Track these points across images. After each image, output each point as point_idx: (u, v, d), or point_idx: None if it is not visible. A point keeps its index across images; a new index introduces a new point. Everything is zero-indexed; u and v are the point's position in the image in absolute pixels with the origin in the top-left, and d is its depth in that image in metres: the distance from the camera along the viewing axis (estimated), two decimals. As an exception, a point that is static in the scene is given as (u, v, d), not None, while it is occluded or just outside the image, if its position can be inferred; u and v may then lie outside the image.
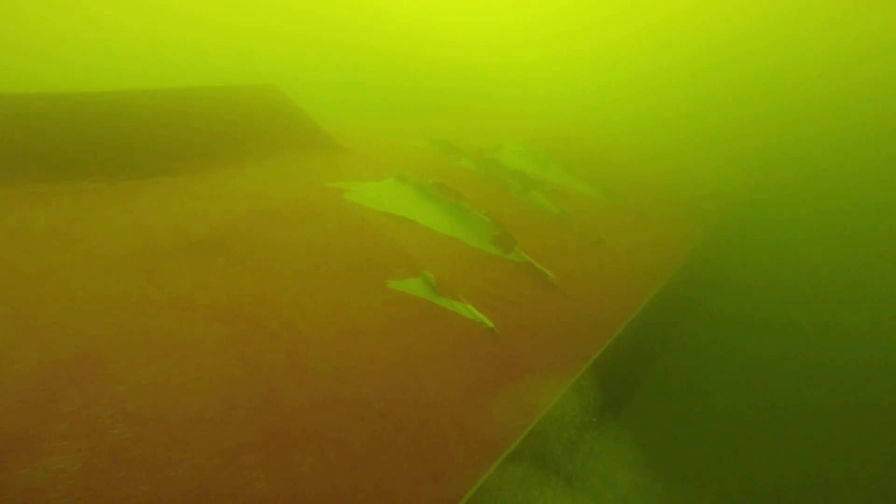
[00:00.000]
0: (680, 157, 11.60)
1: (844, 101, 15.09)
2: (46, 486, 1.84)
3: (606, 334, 4.55)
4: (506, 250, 5.30)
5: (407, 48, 16.63)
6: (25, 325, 2.47)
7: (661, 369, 5.57)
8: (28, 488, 1.82)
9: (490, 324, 4.11)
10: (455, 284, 4.39)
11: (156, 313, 2.72)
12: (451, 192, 5.93)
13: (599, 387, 3.92)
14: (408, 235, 4.67)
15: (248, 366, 2.63)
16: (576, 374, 3.84)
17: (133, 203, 3.68)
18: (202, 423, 2.25)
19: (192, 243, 3.40)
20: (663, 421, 4.75)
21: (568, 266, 5.56)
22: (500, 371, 3.75)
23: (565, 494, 3.28)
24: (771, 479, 4.39)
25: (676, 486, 3.88)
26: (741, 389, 5.37)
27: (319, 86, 12.72)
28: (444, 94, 13.33)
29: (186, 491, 1.97)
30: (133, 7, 13.27)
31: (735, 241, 9.26)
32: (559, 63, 17.98)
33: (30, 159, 3.77)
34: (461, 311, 4.10)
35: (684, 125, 13.48)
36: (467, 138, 8.77)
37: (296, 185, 4.78)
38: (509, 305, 4.55)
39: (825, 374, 5.71)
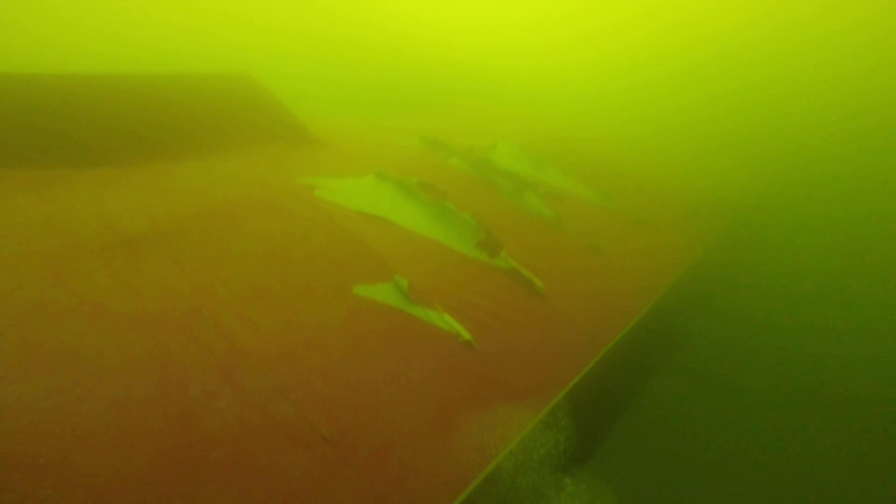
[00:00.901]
0: (684, 162, 11.29)
1: (848, 109, 14.95)
2: None
3: (594, 352, 4.19)
4: (491, 255, 4.95)
5: (409, 47, 16.36)
6: None
7: (658, 391, 5.18)
8: None
9: (467, 336, 3.75)
10: (431, 291, 4.04)
11: (54, 320, 2.35)
12: (435, 192, 5.59)
13: (582, 416, 3.55)
14: (382, 236, 4.32)
15: (164, 383, 2.27)
16: (556, 398, 3.48)
17: (57, 194, 3.31)
18: (78, 452, 1.88)
19: (123, 240, 3.05)
20: (659, 460, 4.36)
21: (558, 273, 5.20)
22: (476, 391, 3.39)
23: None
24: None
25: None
26: (743, 418, 4.99)
27: (314, 82, 12.44)
28: (445, 93, 13.04)
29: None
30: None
31: (739, 245, 9.02)
32: (564, 68, 17.69)
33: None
34: (436, 322, 3.74)
35: (689, 131, 13.18)
36: (461, 137, 8.46)
37: (261, 180, 4.43)
38: (491, 316, 4.19)
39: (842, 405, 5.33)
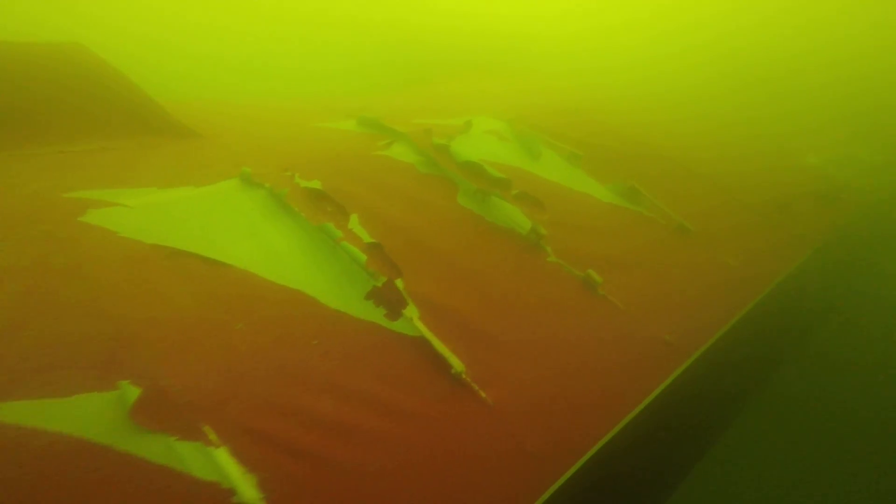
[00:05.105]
0: (767, 135, 8.80)
1: None
2: None
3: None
4: (391, 314, 3.26)
5: (403, 16, 14.52)
6: None
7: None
8: None
9: (250, 495, 2.12)
10: (222, 398, 2.42)
11: None
12: (329, 205, 3.95)
13: None
14: (177, 294, 2.77)
15: None
16: None
17: None
18: None
19: None
20: None
21: (513, 338, 3.42)
22: None
23: None
24: None
25: None
26: None
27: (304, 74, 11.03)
28: (445, 66, 11.21)
29: None
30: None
31: (862, 246, 6.79)
32: (592, 34, 14.92)
33: None
34: (191, 468, 2.15)
35: (774, 89, 10.44)
36: (431, 116, 6.73)
37: (5, 194, 3.03)
38: (352, 439, 2.53)
39: None
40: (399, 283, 3.49)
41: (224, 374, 2.40)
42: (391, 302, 3.27)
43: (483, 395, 2.96)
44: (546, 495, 2.53)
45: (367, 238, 3.75)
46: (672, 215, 5.26)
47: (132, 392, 2.14)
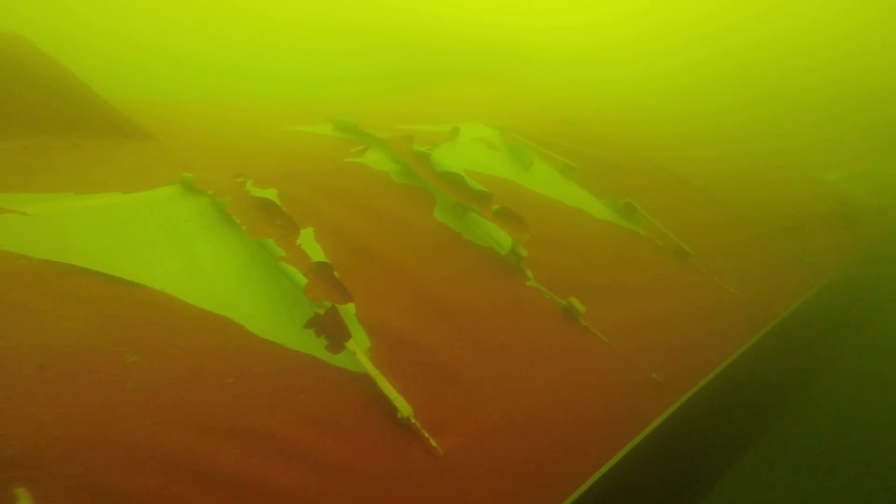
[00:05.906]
0: (783, 152, 8.34)
1: None
2: None
3: None
4: (333, 346, 2.84)
5: (414, 23, 14.29)
6: None
7: None
8: None
9: None
10: (73, 451, 1.96)
11: None
12: (280, 217, 3.56)
13: None
14: (59, 318, 2.37)
15: None
16: None
17: None
18: None
19: None
20: None
21: (477, 376, 2.98)
22: None
23: None
24: None
25: None
26: None
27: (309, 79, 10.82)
28: (449, 73, 10.91)
29: None
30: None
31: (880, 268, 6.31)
32: (612, 47, 14.53)
33: None
34: None
35: (794, 100, 9.97)
36: (418, 122, 6.37)
37: None
38: (259, 497, 2.10)
39: None
40: (350, 309, 3.07)
41: (89, 418, 1.98)
42: (335, 332, 2.85)
43: (433, 443, 2.51)
44: None
45: (318, 256, 3.34)
46: (670, 236, 4.80)
47: None
